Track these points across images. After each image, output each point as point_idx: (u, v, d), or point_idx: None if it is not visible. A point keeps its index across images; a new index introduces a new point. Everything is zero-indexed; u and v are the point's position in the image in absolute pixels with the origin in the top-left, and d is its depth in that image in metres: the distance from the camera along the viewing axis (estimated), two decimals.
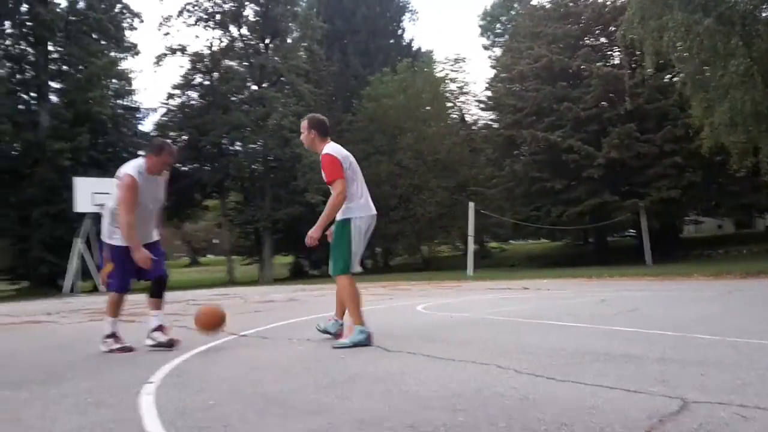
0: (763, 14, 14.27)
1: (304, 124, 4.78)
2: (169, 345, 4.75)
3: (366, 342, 4.33)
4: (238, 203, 35.07)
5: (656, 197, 22.09)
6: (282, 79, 31.42)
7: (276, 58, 31.28)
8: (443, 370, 3.37)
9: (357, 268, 4.52)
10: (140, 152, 30.55)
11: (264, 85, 31.41)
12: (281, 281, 28.26)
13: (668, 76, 23.22)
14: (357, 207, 4.49)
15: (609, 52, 28.09)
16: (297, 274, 34.89)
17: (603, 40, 27.83)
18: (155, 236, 5.03)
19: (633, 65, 21.69)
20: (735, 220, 35.92)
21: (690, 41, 14.29)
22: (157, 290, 4.95)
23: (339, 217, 4.49)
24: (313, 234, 4.41)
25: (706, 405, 2.36)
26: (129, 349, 4.70)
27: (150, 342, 4.81)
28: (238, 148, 31.80)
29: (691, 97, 15.40)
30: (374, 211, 4.65)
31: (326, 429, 2.29)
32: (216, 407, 2.73)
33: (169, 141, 5.02)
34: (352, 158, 4.63)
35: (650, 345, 3.91)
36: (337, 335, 4.78)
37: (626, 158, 22.54)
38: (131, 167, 4.73)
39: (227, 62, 32.57)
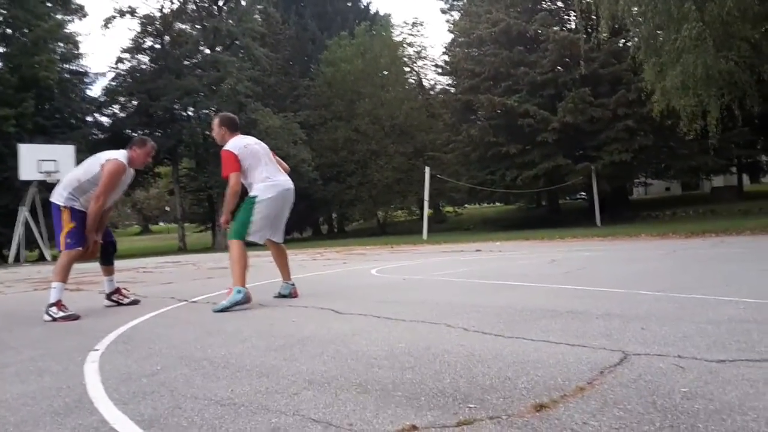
0: None
1: (215, 121, 5.15)
2: (134, 302, 5.35)
3: (244, 300, 4.59)
4: (191, 170, 34.48)
5: (608, 160, 22.54)
6: (237, 42, 30.76)
7: (230, 21, 30.56)
8: (393, 330, 3.39)
9: (260, 239, 4.93)
10: (88, 118, 29.76)
11: (218, 48, 30.70)
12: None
13: (622, 40, 23.49)
14: (260, 189, 4.85)
15: (566, 17, 28.28)
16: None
17: (560, 3, 27.97)
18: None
19: (588, 29, 21.85)
20: (682, 183, 36.97)
21: (645, 5, 14.40)
22: (107, 258, 5.34)
23: (250, 193, 4.91)
24: (222, 220, 5.07)
25: (646, 357, 2.43)
26: (74, 317, 4.61)
27: (110, 303, 5.31)
28: (190, 113, 31.13)
29: (644, 62, 15.57)
30: (284, 187, 4.97)
31: (274, 390, 2.28)
32: (162, 372, 2.69)
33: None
34: (254, 145, 4.98)
35: (595, 302, 4.00)
36: (292, 295, 5.16)
37: (580, 122, 22.87)
38: (119, 155, 4.95)
39: (179, 25, 31.69)
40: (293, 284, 5.24)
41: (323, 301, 4.83)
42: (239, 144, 4.89)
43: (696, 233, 13.05)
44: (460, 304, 4.29)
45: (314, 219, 39.39)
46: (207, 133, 30.14)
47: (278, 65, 33.84)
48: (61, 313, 4.62)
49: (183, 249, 29.63)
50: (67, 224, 4.81)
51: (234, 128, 5.07)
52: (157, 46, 31.49)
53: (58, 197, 4.89)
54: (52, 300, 4.68)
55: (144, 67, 31.59)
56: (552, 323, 3.30)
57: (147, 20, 30.50)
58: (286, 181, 5.02)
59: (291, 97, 34.69)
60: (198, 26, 31.41)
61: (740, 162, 29.90)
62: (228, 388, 2.35)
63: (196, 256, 18.72)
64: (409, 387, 2.20)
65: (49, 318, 4.61)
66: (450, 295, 4.86)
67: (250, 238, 4.84)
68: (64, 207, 4.84)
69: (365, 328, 3.52)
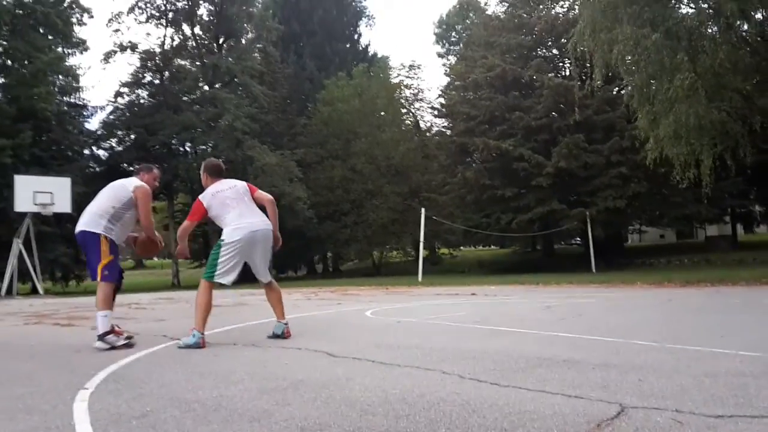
0: (709, 30, 14.73)
1: (201, 167, 5.46)
2: (129, 346, 4.86)
3: (197, 345, 4.66)
4: (187, 205, 34.43)
5: (602, 207, 22.63)
6: (235, 80, 31.04)
7: (230, 59, 30.90)
8: (388, 375, 3.35)
9: (227, 281, 4.94)
10: (85, 151, 29.87)
11: (216, 85, 30.97)
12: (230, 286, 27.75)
13: (616, 88, 23.85)
14: (227, 233, 4.96)
15: (560, 64, 28.74)
16: (246, 278, 34.49)
17: (555, 51, 28.45)
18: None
19: (583, 77, 22.21)
20: (677, 231, 37.10)
21: (638, 55, 14.68)
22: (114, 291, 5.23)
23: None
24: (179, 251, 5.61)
25: (643, 410, 2.40)
26: (130, 344, 4.73)
27: (104, 346, 4.76)
28: (188, 148, 31.25)
29: (638, 110, 15.77)
30: (251, 230, 4.97)
31: None
32: (152, 414, 2.64)
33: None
34: (226, 191, 5.11)
35: (592, 351, 3.98)
36: (285, 335, 5.12)
37: (574, 168, 23.02)
38: (138, 181, 5.18)
39: (179, 61, 32.03)
40: (286, 323, 5.21)
41: (317, 343, 4.78)
42: (209, 192, 5.09)
43: (691, 282, 13.02)
44: (456, 349, 4.25)
45: (309, 257, 39.26)
46: None
47: (276, 103, 34.13)
48: (122, 341, 4.70)
49: (177, 285, 29.37)
50: (106, 256, 4.85)
51: (215, 174, 5.28)
52: (157, 81, 31.74)
53: (94, 226, 4.88)
54: (105, 329, 4.71)
55: (142, 101, 31.77)
56: (548, 372, 3.27)
57: (147, 55, 30.78)
58: (257, 223, 5.02)
59: (288, 135, 34.90)
60: (197, 63, 31.75)
61: (734, 212, 30.09)
62: None
63: (189, 293, 18.52)
64: None
65: (107, 346, 4.65)
66: (445, 340, 4.82)
67: (217, 280, 4.90)
68: (105, 237, 4.86)
69: (359, 372, 3.48)
